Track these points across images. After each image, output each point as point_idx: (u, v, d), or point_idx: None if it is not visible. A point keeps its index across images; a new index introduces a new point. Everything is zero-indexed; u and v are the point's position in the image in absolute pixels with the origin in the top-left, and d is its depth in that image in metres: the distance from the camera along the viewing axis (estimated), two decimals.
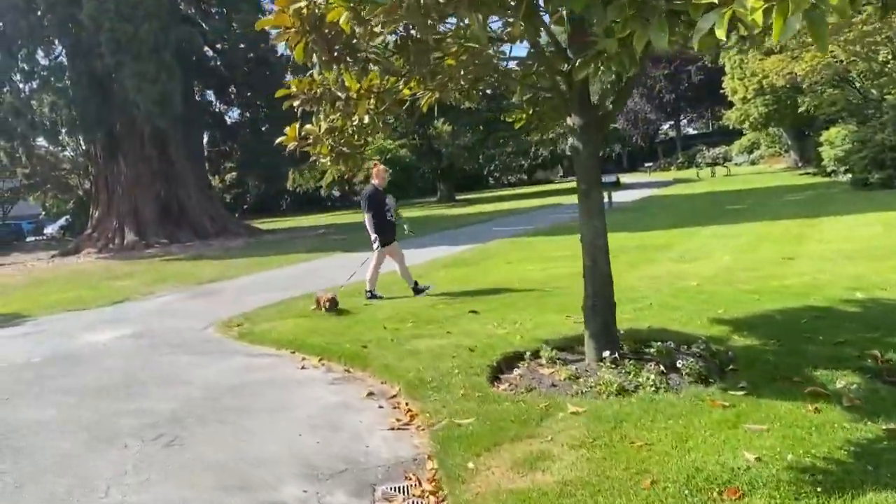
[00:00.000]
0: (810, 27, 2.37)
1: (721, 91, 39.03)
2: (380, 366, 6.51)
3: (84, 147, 33.14)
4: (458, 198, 47.75)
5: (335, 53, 5.29)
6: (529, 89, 6.60)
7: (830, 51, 26.08)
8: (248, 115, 35.89)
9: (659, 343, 5.56)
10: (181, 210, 30.47)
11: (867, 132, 23.51)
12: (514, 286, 10.17)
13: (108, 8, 23.48)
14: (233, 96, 36.03)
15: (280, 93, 5.80)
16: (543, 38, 5.49)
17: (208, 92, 36.86)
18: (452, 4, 4.13)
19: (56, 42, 29.42)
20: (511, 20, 5.25)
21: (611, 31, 3.44)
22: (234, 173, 49.94)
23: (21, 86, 29.01)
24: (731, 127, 44.73)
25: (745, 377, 5.01)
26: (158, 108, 24.45)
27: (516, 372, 5.78)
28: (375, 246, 10.25)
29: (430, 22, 4.13)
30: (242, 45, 31.79)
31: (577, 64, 4.39)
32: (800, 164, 42.70)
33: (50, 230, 51.70)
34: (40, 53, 29.66)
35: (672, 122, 75.91)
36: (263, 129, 34.00)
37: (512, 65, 6.31)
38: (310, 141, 6.14)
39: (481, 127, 45.86)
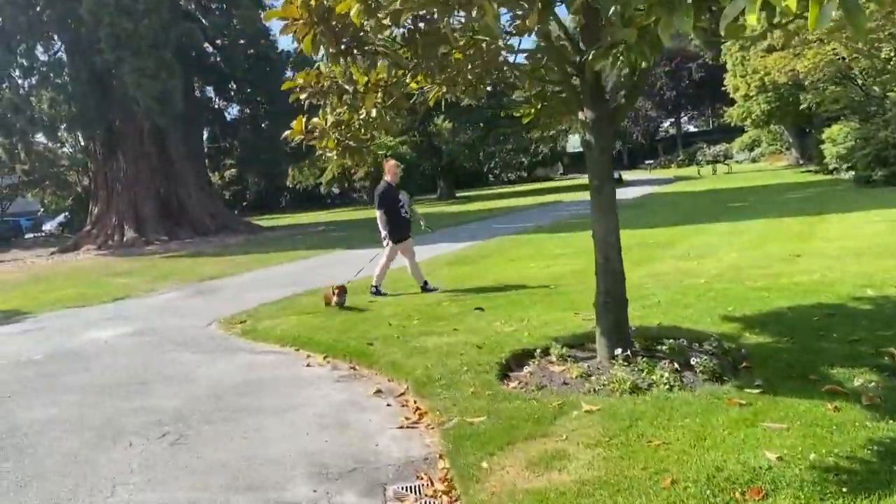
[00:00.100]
0: (847, 15, 2.28)
1: (723, 88, 38.90)
2: (386, 363, 6.43)
3: (83, 144, 32.99)
4: (457, 195, 47.65)
5: (343, 46, 5.21)
6: (538, 83, 6.53)
7: (832, 48, 26.01)
8: (247, 111, 35.74)
9: (671, 340, 5.48)
10: (181, 207, 30.36)
11: (870, 129, 23.43)
12: (519, 283, 10.08)
13: (108, 3, 23.35)
14: (232, 93, 35.88)
15: (286, 85, 5.72)
16: (554, 30, 5.41)
17: (208, 88, 36.72)
18: None
19: (55, 38, 29.27)
20: (521, 11, 5.17)
21: (630, 19, 3.35)
22: (233, 170, 49.80)
23: (20, 82, 28.89)
24: (732, 124, 44.60)
25: (760, 375, 4.93)
26: (158, 105, 24.33)
27: (526, 370, 5.70)
28: (385, 243, 10.13)
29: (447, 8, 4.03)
30: (242, 42, 31.67)
31: (592, 55, 4.30)
32: (801, 162, 42.61)
33: (48, 227, 51.59)
34: (39, 49, 29.51)
35: (672, 120, 75.82)
36: (264, 125, 33.90)
37: (520, 58, 6.25)
38: (316, 134, 6.04)
39: (481, 124, 45.78)
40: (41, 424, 5.56)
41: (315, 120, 6.01)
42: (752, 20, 2.33)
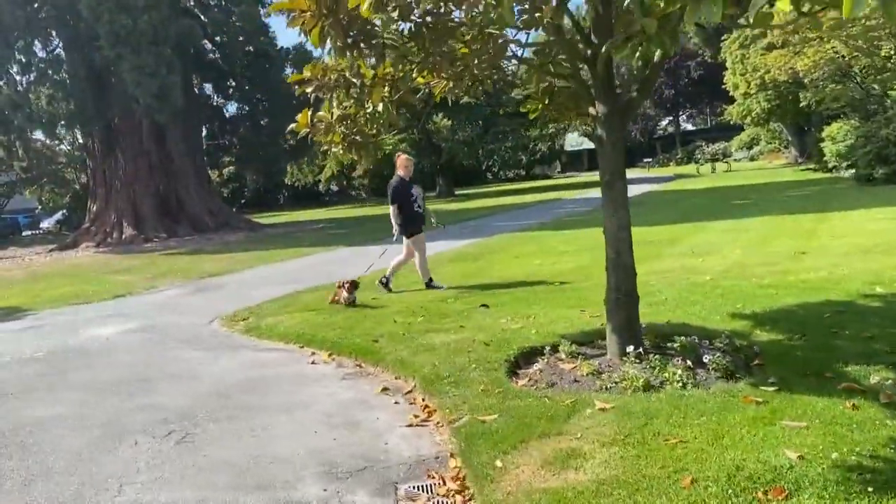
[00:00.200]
0: (883, 5, 2.22)
1: (723, 86, 38.82)
2: (393, 360, 6.36)
3: (82, 141, 32.85)
4: (456, 192, 47.63)
5: (350, 39, 5.14)
6: (546, 78, 6.47)
7: (832, 46, 25.95)
8: (246, 108, 35.62)
9: (682, 338, 5.40)
10: (180, 204, 30.27)
11: (872, 127, 23.39)
12: (524, 280, 10.03)
13: None
14: (231, 90, 35.76)
15: (293, 78, 5.67)
16: (564, 23, 5.34)
17: (206, 85, 36.60)
18: None
19: (54, 34, 29.12)
20: (526, 4, 5.11)
21: (649, 8, 3.29)
22: (231, 167, 49.69)
23: (18, 78, 28.74)
24: (731, 122, 44.54)
25: (774, 372, 4.87)
26: (158, 102, 24.21)
27: (536, 367, 5.63)
28: (395, 238, 10.05)
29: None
30: (241, 38, 31.54)
31: (606, 47, 4.24)
32: (799, 160, 42.58)
33: (46, 224, 51.41)
34: (38, 45, 29.35)
35: (671, 118, 75.82)
36: (263, 122, 33.80)
37: (526, 52, 6.18)
38: (322, 128, 5.97)
39: (480, 122, 45.74)
40: (45, 422, 5.49)
41: (321, 113, 5.94)
42: (784, 6, 2.26)
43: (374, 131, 6.25)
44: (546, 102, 6.80)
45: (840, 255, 9.85)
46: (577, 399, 4.67)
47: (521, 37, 6.46)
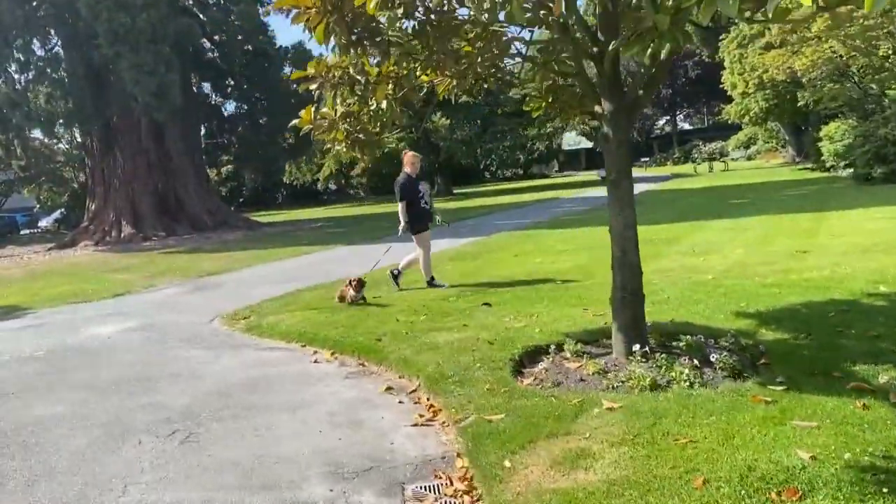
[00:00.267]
0: None
1: (720, 86, 38.86)
2: (396, 360, 6.33)
3: (80, 139, 32.76)
4: (455, 191, 47.62)
5: (354, 36, 5.11)
6: (550, 76, 6.44)
7: (830, 45, 25.97)
8: (245, 107, 35.55)
9: (688, 337, 5.38)
10: (178, 203, 30.20)
11: (870, 127, 23.41)
12: (525, 279, 10.00)
13: None
14: (229, 89, 35.69)
15: (296, 75, 5.63)
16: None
17: (205, 84, 36.51)
18: None
19: (52, 32, 29.03)
20: (536, 2, 5.08)
21: (661, 5, 3.25)
22: (229, 166, 49.60)
23: (16, 76, 28.67)
24: (729, 122, 44.60)
25: (782, 372, 4.85)
26: (157, 101, 24.13)
27: (541, 366, 5.60)
28: (400, 234, 10.04)
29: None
30: (240, 37, 31.48)
31: (615, 44, 4.21)
32: (797, 160, 42.63)
33: (44, 223, 51.32)
34: (36, 44, 29.24)
35: (668, 118, 75.88)
36: (262, 121, 33.73)
37: (530, 50, 6.15)
38: (325, 124, 5.92)
39: (479, 121, 45.70)
40: (46, 422, 5.44)
41: (324, 110, 5.90)
42: (807, 0, 2.23)
43: (377, 129, 6.21)
44: (549, 101, 6.78)
45: (840, 253, 9.84)
46: (585, 398, 4.64)
47: (524, 35, 6.47)
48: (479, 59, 5.83)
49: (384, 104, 5.79)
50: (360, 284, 9.09)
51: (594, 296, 8.24)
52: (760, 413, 4.09)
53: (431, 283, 9.97)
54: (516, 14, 3.98)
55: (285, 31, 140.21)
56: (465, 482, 3.92)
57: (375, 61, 5.73)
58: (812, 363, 4.99)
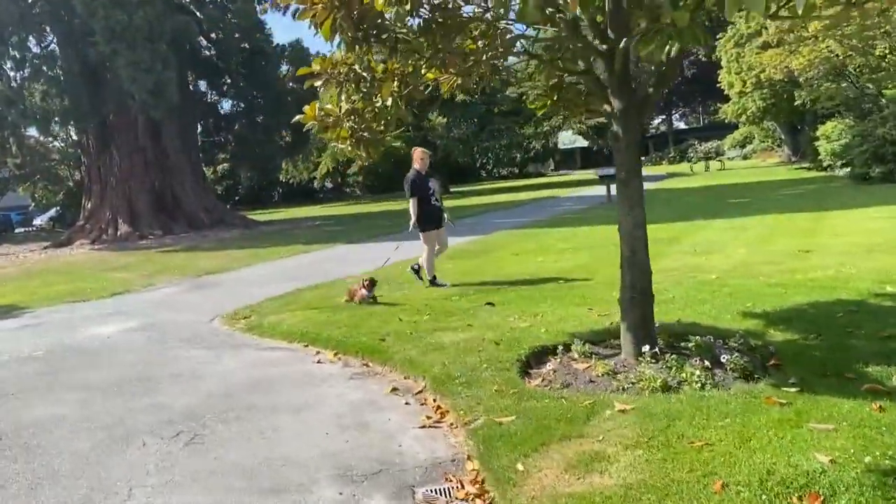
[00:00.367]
0: None
1: (717, 85, 38.83)
2: (401, 360, 6.27)
3: (76, 137, 32.61)
4: (451, 190, 47.54)
5: (360, 33, 5.05)
6: (556, 73, 6.38)
7: (827, 45, 25.96)
8: (241, 105, 35.40)
9: (697, 337, 5.33)
10: (175, 201, 30.07)
11: (868, 126, 23.41)
12: (527, 278, 9.94)
13: None
14: (225, 87, 35.54)
15: (301, 71, 5.56)
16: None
17: (201, 82, 36.36)
18: None
19: (48, 30, 28.86)
20: None
21: (680, 1, 3.20)
22: (225, 164, 49.44)
23: (12, 74, 28.50)
24: (726, 121, 44.59)
25: (794, 373, 4.80)
26: (153, 99, 24.00)
27: (549, 366, 5.54)
28: (409, 230, 9.97)
29: None
30: (237, 35, 31.36)
31: (626, 42, 4.15)
32: (793, 159, 42.66)
33: (39, 221, 51.12)
34: (32, 41, 29.09)
35: (664, 117, 75.89)
36: (258, 119, 33.60)
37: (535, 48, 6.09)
38: (329, 122, 5.84)
39: (475, 119, 45.67)
40: (48, 423, 5.37)
41: (329, 106, 5.82)
42: None
43: (382, 127, 6.15)
44: (554, 99, 6.72)
45: (843, 253, 9.80)
46: (596, 400, 4.59)
47: (529, 32, 6.41)
48: (485, 57, 5.79)
49: (389, 101, 5.73)
50: (371, 284, 8.99)
51: (598, 295, 8.20)
52: (775, 415, 4.04)
53: (433, 282, 9.90)
54: (529, 12, 3.92)
55: (282, 29, 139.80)
56: (477, 485, 3.87)
57: (380, 58, 5.67)
58: (824, 364, 4.94)
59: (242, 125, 34.84)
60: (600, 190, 26.64)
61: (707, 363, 4.95)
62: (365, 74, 5.48)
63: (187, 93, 30.94)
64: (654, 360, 5.05)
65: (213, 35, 32.39)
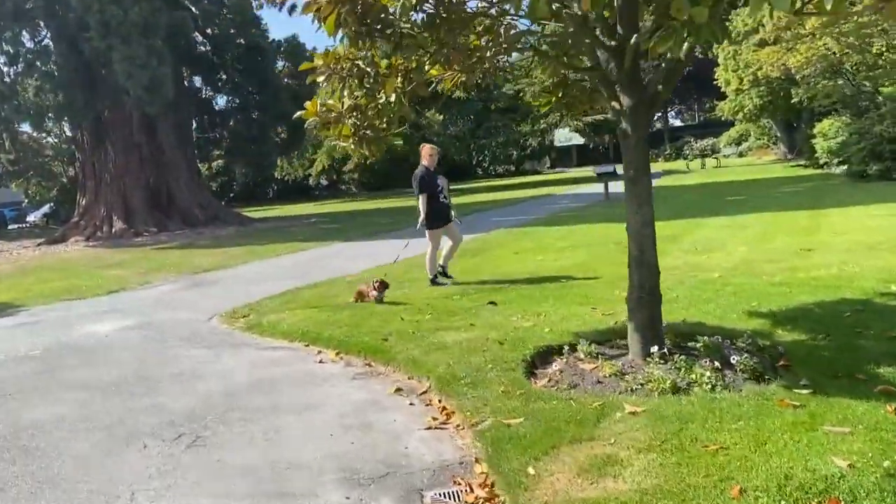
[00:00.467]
0: None
1: (714, 82, 38.79)
2: (405, 360, 6.19)
3: (70, 133, 32.40)
4: (450, 188, 47.39)
5: (364, 28, 4.97)
6: (561, 70, 6.32)
7: (824, 43, 25.96)
8: (237, 101, 35.20)
9: (705, 338, 5.26)
10: (170, 198, 29.91)
11: (865, 124, 23.40)
12: (527, 277, 9.87)
13: None
14: (220, 83, 35.33)
15: (304, 66, 5.48)
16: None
17: (196, 78, 36.14)
18: None
19: (41, 24, 28.62)
20: None
21: None
22: (220, 161, 49.24)
23: (5, 69, 28.28)
24: (722, 118, 44.58)
25: (804, 374, 4.74)
26: (149, 94, 23.83)
27: (554, 367, 5.48)
28: (418, 227, 9.90)
29: None
30: (233, 30, 31.19)
31: (637, 39, 4.08)
32: (789, 157, 42.68)
33: (33, 218, 50.86)
34: (25, 36, 28.82)
35: (659, 114, 75.82)
36: (254, 116, 33.43)
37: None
38: (331, 118, 5.75)
39: (472, 117, 45.59)
40: (46, 424, 5.28)
41: (331, 101, 5.74)
42: None
43: (384, 125, 6.06)
44: (559, 96, 6.66)
45: (845, 251, 9.75)
46: (605, 402, 4.52)
47: (530, 28, 6.34)
48: (489, 53, 5.72)
49: (392, 98, 5.65)
50: (382, 285, 8.86)
51: (600, 294, 8.14)
52: (789, 418, 3.98)
53: (434, 281, 9.83)
54: (541, 8, 3.84)
55: (278, 25, 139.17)
56: (486, 489, 3.80)
57: (382, 53, 5.60)
58: (834, 365, 4.88)
59: (238, 121, 34.66)
60: (597, 188, 26.61)
61: (717, 364, 4.89)
62: (369, 69, 5.40)
63: (182, 88, 30.77)
64: (662, 361, 4.99)
65: (208, 30, 32.21)
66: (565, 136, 69.62)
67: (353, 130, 5.82)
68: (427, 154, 9.84)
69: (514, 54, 6.39)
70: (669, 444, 3.80)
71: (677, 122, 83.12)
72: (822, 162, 28.83)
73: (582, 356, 5.53)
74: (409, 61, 5.54)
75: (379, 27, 5.02)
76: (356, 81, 5.51)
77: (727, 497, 3.20)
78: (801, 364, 5.00)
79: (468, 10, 5.38)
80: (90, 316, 9.95)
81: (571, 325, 6.67)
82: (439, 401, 5.24)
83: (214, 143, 38.21)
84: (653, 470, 3.54)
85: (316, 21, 4.97)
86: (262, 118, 32.81)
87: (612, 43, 4.98)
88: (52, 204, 50.10)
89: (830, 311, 6.50)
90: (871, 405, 4.06)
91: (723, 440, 3.78)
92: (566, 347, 5.69)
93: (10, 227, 48.45)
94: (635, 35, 4.50)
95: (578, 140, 65.80)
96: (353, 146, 5.98)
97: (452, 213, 10.15)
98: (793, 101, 31.92)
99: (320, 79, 5.47)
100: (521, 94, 49.35)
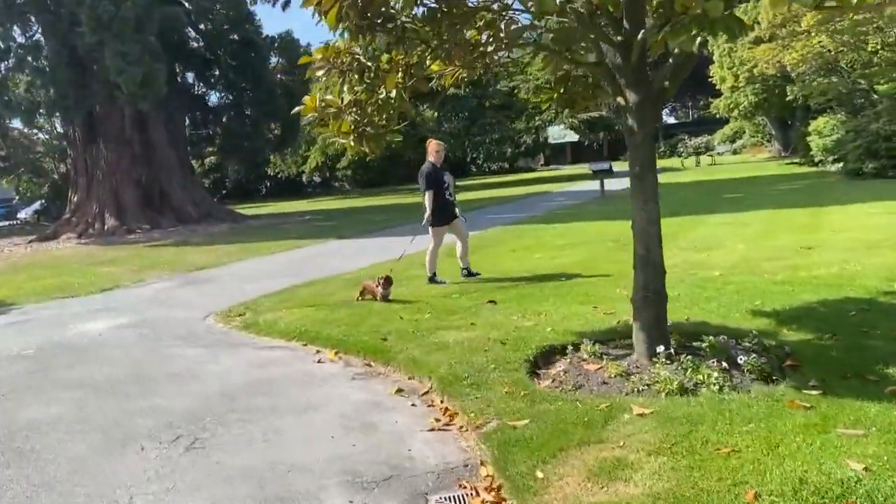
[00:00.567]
0: None
1: (709, 79, 38.81)
2: (405, 360, 6.11)
3: (62, 129, 32.13)
4: None
5: (366, 21, 4.88)
6: (563, 66, 6.24)
7: (819, 40, 25.97)
8: (230, 98, 34.98)
9: (711, 337, 5.20)
10: (163, 195, 29.69)
11: (862, 122, 23.40)
12: (527, 275, 9.80)
13: None
14: (213, 79, 35.11)
15: (303, 60, 5.40)
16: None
17: (188, 74, 35.91)
18: None
19: (32, 19, 28.34)
20: None
21: None
22: (212, 158, 48.99)
23: None
24: (717, 115, 44.61)
25: (812, 375, 4.68)
26: (142, 91, 23.60)
27: (558, 367, 5.40)
28: (423, 224, 9.81)
29: None
30: (226, 26, 30.98)
31: (647, 33, 4.00)
32: (783, 154, 42.75)
33: (24, 215, 50.50)
34: (16, 30, 28.59)
35: None
36: (247, 112, 33.24)
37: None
38: (330, 113, 5.65)
39: (466, 113, 45.47)
40: (41, 426, 5.18)
41: (329, 97, 5.64)
42: None
43: (384, 121, 5.97)
44: (561, 91, 6.57)
45: (845, 249, 9.71)
46: (612, 403, 4.44)
47: (533, 22, 6.24)
48: (490, 49, 5.64)
49: (393, 93, 5.56)
50: (387, 282, 8.74)
51: (601, 293, 8.07)
52: (801, 420, 3.91)
53: (433, 279, 9.74)
54: (547, 2, 3.76)
55: (272, 21, 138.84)
56: (493, 493, 3.72)
57: (383, 47, 5.51)
58: (843, 365, 4.82)
59: (231, 118, 34.44)
60: (592, 185, 26.58)
61: (724, 364, 4.82)
62: (369, 63, 5.31)
63: (175, 85, 30.51)
64: (668, 362, 4.91)
65: (201, 26, 31.98)
66: (559, 134, 69.61)
67: (352, 127, 5.73)
68: (433, 150, 9.74)
69: (515, 50, 6.31)
70: (680, 447, 3.73)
71: (671, 120, 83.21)
72: (817, 160, 28.86)
73: (586, 356, 5.45)
74: (411, 56, 5.46)
75: (380, 21, 4.94)
76: (356, 76, 5.42)
77: (742, 502, 3.13)
78: (809, 364, 4.94)
79: (470, 4, 5.30)
80: (84, 314, 9.83)
81: (573, 325, 6.60)
82: (441, 402, 5.16)
83: (207, 140, 38.01)
84: (664, 473, 3.47)
85: (317, 15, 4.88)
86: (256, 115, 32.63)
87: (619, 38, 4.90)
88: (43, 201, 49.74)
89: (835, 310, 6.45)
90: (883, 406, 4.00)
91: (734, 443, 3.71)
92: (569, 347, 5.60)
93: (0, 224, 48.09)
94: (643, 30, 4.42)
95: (573, 137, 65.79)
96: (352, 143, 5.88)
97: (457, 210, 10.06)
98: (788, 99, 31.94)
99: (319, 73, 5.39)
100: (516, 90, 49.27)
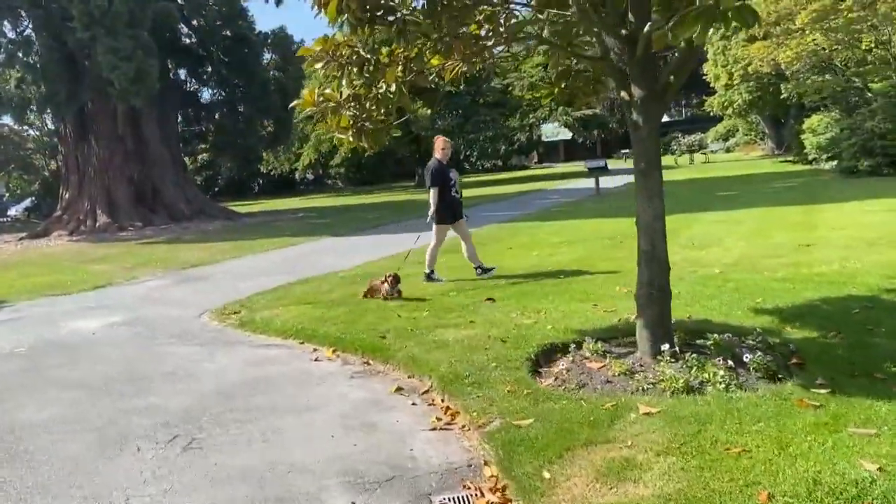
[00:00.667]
0: None
1: (703, 77, 38.82)
2: (405, 358, 6.02)
3: (53, 126, 31.88)
4: None
5: (366, 14, 4.80)
6: (564, 61, 6.17)
7: (813, 38, 25.99)
8: (223, 94, 34.73)
9: (716, 335, 5.13)
10: (155, 192, 29.48)
11: (857, 120, 23.42)
12: (524, 273, 9.73)
13: None
14: (206, 76, 34.85)
15: (302, 51, 5.32)
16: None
17: (181, 70, 35.63)
18: None
19: (23, 14, 28.05)
20: None
21: None
22: (204, 155, 48.74)
23: None
24: (711, 113, 44.65)
25: (819, 373, 4.62)
26: (134, 87, 23.38)
27: (561, 365, 5.33)
28: (428, 221, 9.70)
29: None
30: (219, 22, 30.76)
31: (651, 27, 3.93)
32: (776, 152, 42.82)
33: (14, 211, 50.17)
34: (7, 26, 28.30)
35: None
36: (240, 109, 33.03)
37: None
38: (329, 108, 5.55)
39: (460, 111, 45.35)
40: (35, 426, 5.07)
41: (328, 91, 5.55)
42: None
43: (383, 116, 5.88)
44: (561, 87, 6.50)
45: (844, 247, 9.69)
46: (617, 402, 4.38)
47: (535, 16, 6.17)
48: (490, 43, 5.57)
49: (393, 87, 5.47)
50: (395, 280, 8.62)
51: (600, 290, 8.01)
52: (811, 419, 3.85)
53: (430, 276, 9.66)
54: None
55: (265, 17, 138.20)
56: (498, 493, 3.65)
57: (393, 35, 5.42)
58: (849, 364, 4.77)
59: (223, 114, 34.19)
60: (585, 183, 26.54)
61: (730, 363, 4.75)
62: (369, 56, 5.22)
63: (167, 81, 30.31)
64: (673, 360, 4.85)
65: (194, 22, 31.73)
66: (553, 132, 69.57)
67: (351, 122, 5.65)
68: (440, 147, 9.65)
69: (515, 45, 6.23)
70: (689, 447, 3.66)
71: (665, 118, 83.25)
72: (810, 158, 28.89)
73: (588, 354, 5.38)
74: (410, 50, 5.37)
75: (380, 14, 4.85)
76: (356, 69, 5.33)
77: (755, 503, 3.06)
78: (815, 362, 4.89)
79: None
80: (76, 312, 9.70)
81: (574, 323, 6.54)
82: (442, 400, 5.09)
83: (200, 137, 37.78)
84: (674, 474, 3.40)
85: (316, 7, 4.80)
86: (249, 111, 32.42)
87: (624, 32, 4.83)
88: (33, 198, 49.44)
89: (838, 307, 6.40)
90: (893, 405, 3.95)
91: (744, 442, 3.65)
92: (572, 345, 5.53)
93: None
94: (648, 24, 4.34)
95: (566, 135, 65.76)
96: (351, 138, 5.80)
97: (463, 210, 9.96)
98: (782, 97, 31.98)
99: (318, 65, 5.30)
100: (510, 88, 49.20)
